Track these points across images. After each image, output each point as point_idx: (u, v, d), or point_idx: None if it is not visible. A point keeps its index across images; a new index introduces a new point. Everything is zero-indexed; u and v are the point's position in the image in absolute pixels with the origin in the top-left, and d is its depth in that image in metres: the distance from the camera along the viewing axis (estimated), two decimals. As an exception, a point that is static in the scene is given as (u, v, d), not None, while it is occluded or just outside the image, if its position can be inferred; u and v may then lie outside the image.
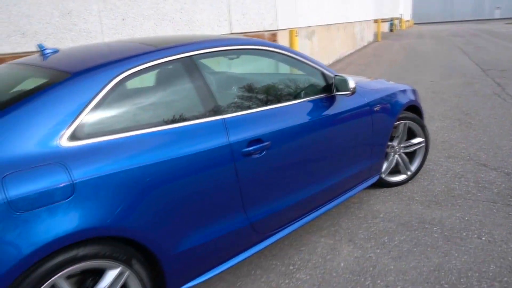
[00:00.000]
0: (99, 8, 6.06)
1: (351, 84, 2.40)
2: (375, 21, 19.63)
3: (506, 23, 32.88)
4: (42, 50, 2.08)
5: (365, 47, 16.41)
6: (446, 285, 2.06)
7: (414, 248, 2.41)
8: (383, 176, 3.14)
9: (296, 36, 8.17)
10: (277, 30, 8.02)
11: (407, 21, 32.45)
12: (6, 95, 1.67)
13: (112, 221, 1.49)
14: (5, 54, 5.24)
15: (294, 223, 2.32)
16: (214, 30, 6.93)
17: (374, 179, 2.94)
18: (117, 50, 1.90)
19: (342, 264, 2.30)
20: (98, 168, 1.50)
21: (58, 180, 1.41)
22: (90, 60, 1.78)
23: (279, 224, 2.22)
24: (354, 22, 15.16)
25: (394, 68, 9.78)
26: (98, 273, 1.56)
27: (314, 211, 2.46)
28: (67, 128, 1.52)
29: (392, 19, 25.62)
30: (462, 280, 2.10)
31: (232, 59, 2.54)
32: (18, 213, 1.32)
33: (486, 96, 6.17)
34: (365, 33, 17.53)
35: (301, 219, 2.37)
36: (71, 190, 1.42)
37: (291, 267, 2.31)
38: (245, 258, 2.08)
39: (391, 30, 25.74)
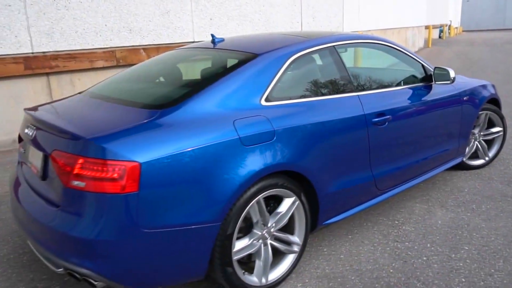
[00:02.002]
0: (192, 8, 6.81)
1: (452, 74, 2.89)
2: (426, 27, 19.64)
3: None
4: (213, 38, 2.73)
5: (416, 52, 16.52)
6: (534, 238, 2.52)
7: (500, 213, 2.86)
8: (464, 159, 3.58)
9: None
10: (341, 32, 8.52)
11: (456, 28, 31.85)
12: (211, 69, 2.30)
13: (296, 160, 2.08)
14: (115, 47, 6.07)
15: (399, 186, 2.84)
16: (286, 31, 7.51)
17: (458, 160, 3.40)
18: (281, 40, 2.50)
19: (439, 222, 2.79)
20: (286, 121, 2.09)
21: (266, 127, 2.01)
22: (266, 45, 2.39)
23: (391, 184, 2.74)
24: (407, 27, 15.36)
25: (451, 73, 9.97)
26: (277, 201, 2.15)
27: (413, 179, 2.96)
28: (264, 92, 2.12)
29: (441, 26, 25.36)
30: (547, 236, 2.54)
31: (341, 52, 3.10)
32: (245, 147, 1.92)
33: (551, 100, 6.38)
34: (416, 39, 17.62)
35: (403, 184, 2.88)
36: (273, 135, 2.02)
37: (396, 222, 2.83)
38: (367, 207, 2.62)
39: (440, 37, 25.50)
